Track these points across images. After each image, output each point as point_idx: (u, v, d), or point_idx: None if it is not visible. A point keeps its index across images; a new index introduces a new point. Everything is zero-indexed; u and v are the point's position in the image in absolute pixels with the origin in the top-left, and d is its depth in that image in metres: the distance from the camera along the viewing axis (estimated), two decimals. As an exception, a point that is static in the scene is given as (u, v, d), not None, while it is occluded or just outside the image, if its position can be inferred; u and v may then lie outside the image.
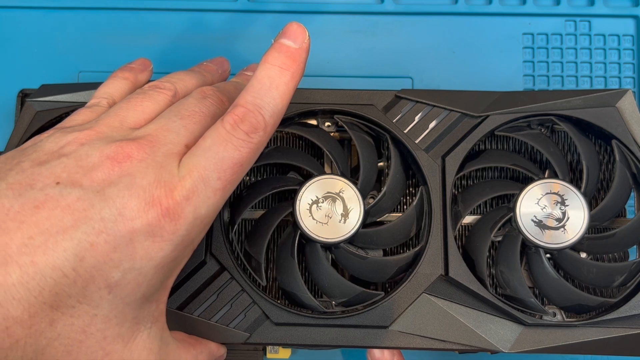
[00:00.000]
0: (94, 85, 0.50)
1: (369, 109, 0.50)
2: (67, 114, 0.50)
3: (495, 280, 0.47)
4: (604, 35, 0.63)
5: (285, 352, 0.53)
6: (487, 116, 0.50)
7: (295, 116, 0.50)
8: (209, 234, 0.46)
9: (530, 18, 0.62)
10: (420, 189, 0.48)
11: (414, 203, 0.48)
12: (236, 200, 0.49)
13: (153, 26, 0.62)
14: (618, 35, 0.63)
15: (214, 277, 0.45)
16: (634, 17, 0.63)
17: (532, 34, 0.63)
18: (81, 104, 0.49)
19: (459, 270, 0.45)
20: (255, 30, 0.62)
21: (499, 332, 0.44)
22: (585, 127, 0.50)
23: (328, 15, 0.63)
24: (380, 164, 0.51)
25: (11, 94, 0.59)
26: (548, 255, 0.47)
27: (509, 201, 0.50)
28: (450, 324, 0.44)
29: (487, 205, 0.51)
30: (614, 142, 0.49)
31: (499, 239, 0.48)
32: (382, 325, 0.44)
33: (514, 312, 0.44)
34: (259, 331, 0.44)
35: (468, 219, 0.50)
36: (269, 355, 0.53)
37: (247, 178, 0.52)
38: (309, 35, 0.37)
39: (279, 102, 0.36)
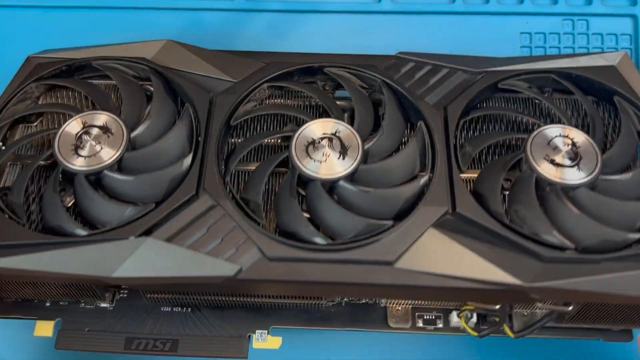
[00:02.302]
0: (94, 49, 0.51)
1: (370, 69, 0.50)
2: (67, 67, 0.49)
3: (509, 219, 0.44)
4: (601, 35, 0.64)
5: (275, 342, 0.48)
6: (487, 72, 0.49)
7: (295, 72, 0.50)
8: (201, 170, 0.44)
9: (527, 17, 0.63)
10: (419, 124, 0.46)
11: (415, 137, 0.46)
12: (231, 152, 0.47)
13: (151, 25, 0.62)
14: (616, 35, 0.64)
15: (205, 212, 0.42)
16: (632, 16, 0.64)
17: (530, 33, 0.64)
18: (81, 60, 0.49)
19: (468, 206, 0.42)
20: (253, 29, 0.63)
21: (517, 267, 0.40)
22: (585, 88, 0.49)
23: (325, 15, 0.63)
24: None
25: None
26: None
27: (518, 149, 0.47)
28: (462, 258, 0.40)
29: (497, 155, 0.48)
30: (616, 97, 0.48)
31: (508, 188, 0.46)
32: (387, 261, 0.40)
33: (532, 247, 0.40)
34: (252, 267, 0.40)
35: (474, 174, 0.47)
36: (255, 345, 0.47)
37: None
38: None
39: None
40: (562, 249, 0.41)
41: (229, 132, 0.48)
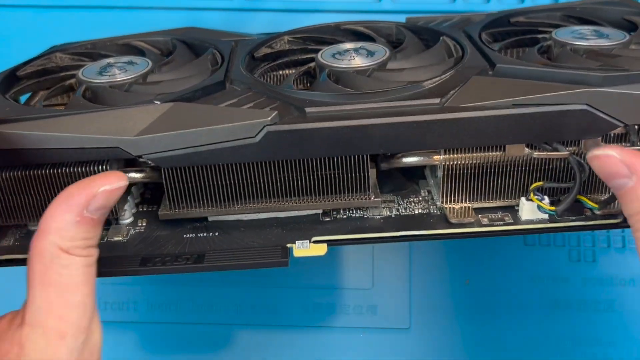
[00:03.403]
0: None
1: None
2: (92, 45, 0.51)
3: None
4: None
5: (320, 248, 0.40)
6: (497, 12, 0.52)
7: (313, 31, 0.52)
8: (228, 68, 0.43)
9: None
10: (441, 38, 0.46)
11: (440, 43, 0.45)
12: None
13: (150, 24, 0.60)
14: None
15: (234, 90, 0.40)
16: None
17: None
18: (106, 40, 0.52)
19: (507, 60, 0.41)
20: (253, 28, 0.62)
21: (576, 88, 0.37)
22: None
23: (325, 14, 0.64)
24: None
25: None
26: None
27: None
28: (517, 87, 0.37)
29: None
30: (626, 16, 0.50)
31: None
32: (433, 103, 0.37)
33: (586, 72, 0.37)
34: (290, 117, 0.37)
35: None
36: (296, 253, 0.39)
37: None
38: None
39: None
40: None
41: (252, 61, 0.47)
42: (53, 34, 0.52)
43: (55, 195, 0.33)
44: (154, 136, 0.36)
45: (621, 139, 0.38)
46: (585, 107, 0.36)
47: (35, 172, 0.37)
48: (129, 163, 0.39)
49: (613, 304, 0.59)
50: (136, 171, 0.39)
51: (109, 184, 0.33)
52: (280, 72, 0.48)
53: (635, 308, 0.59)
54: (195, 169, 0.38)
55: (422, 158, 0.39)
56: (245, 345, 0.55)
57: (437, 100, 0.37)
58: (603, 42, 0.42)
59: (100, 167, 0.37)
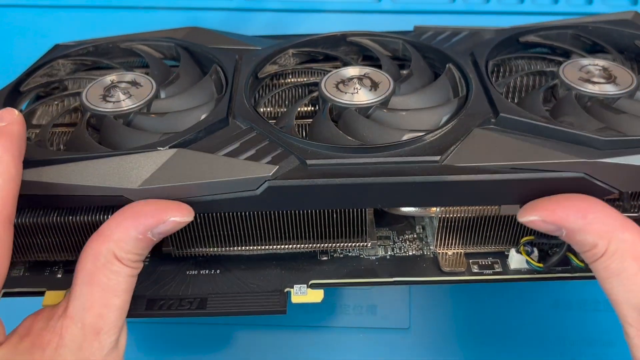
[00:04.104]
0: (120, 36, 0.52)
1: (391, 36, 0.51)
2: (94, 47, 0.50)
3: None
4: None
5: (316, 295, 0.42)
6: (507, 29, 0.50)
7: (319, 41, 0.51)
8: (231, 99, 0.42)
9: (528, 17, 0.64)
10: (447, 66, 0.46)
11: (446, 74, 0.45)
12: (259, 98, 0.47)
13: (150, 24, 0.60)
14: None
15: (236, 130, 0.40)
16: (633, 15, 0.66)
17: (531, 32, 0.65)
18: (108, 42, 0.51)
19: (511, 109, 0.40)
20: (253, 28, 0.62)
21: (575, 151, 0.37)
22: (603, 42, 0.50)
23: (325, 14, 0.64)
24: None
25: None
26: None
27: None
28: (517, 148, 0.38)
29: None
30: (637, 41, 0.49)
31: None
32: (432, 160, 0.38)
33: (586, 135, 0.37)
34: (291, 170, 0.37)
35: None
36: (294, 299, 0.42)
37: None
38: (18, 113, 0.36)
39: None
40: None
41: (256, 82, 0.47)
42: (53, 34, 0.51)
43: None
44: (157, 187, 0.37)
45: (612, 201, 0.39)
46: (583, 175, 0.36)
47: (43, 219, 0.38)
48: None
49: None
50: None
51: (180, 217, 0.35)
52: (285, 88, 0.47)
53: None
54: (198, 216, 0.39)
55: (419, 210, 0.40)
56: (245, 345, 0.57)
57: (437, 158, 0.37)
58: (609, 90, 0.42)
59: (105, 216, 0.38)
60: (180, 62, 0.49)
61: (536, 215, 0.35)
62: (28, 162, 0.37)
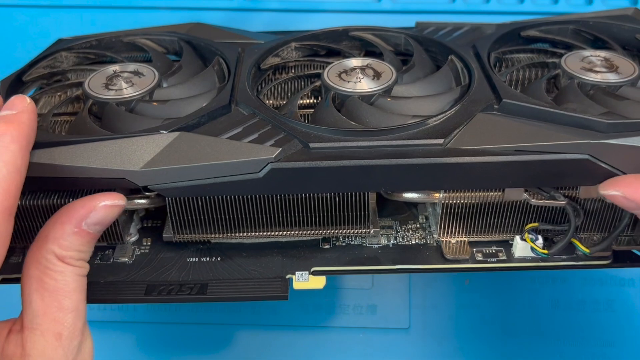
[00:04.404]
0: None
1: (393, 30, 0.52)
2: (97, 41, 0.51)
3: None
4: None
5: (318, 281, 0.42)
6: (508, 23, 0.51)
7: (321, 35, 0.51)
8: (234, 87, 0.42)
9: (528, 17, 0.63)
10: (450, 57, 0.46)
11: (448, 65, 0.45)
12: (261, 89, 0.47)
13: (150, 24, 0.59)
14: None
15: (239, 116, 0.40)
16: (632, 15, 0.66)
17: (531, 33, 0.65)
18: (112, 36, 0.51)
19: (514, 95, 0.40)
20: (252, 28, 0.61)
21: (579, 134, 0.37)
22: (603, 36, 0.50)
23: (325, 14, 0.64)
24: None
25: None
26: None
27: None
28: (520, 131, 0.37)
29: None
30: (638, 35, 0.49)
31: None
32: (436, 143, 0.37)
33: (590, 118, 0.37)
34: (294, 153, 0.37)
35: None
36: (296, 285, 0.41)
37: None
38: (30, 100, 0.35)
39: (2, 168, 0.31)
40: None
41: (258, 73, 0.47)
42: (54, 34, 0.51)
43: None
44: (159, 169, 0.36)
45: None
46: (587, 157, 0.36)
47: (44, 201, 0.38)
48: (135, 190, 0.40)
49: (613, 304, 0.60)
50: (141, 197, 0.39)
51: (109, 200, 0.35)
52: (287, 80, 0.47)
53: (634, 308, 0.60)
54: (199, 200, 0.39)
55: (422, 195, 0.40)
56: (245, 345, 0.56)
57: (440, 141, 0.37)
58: (611, 78, 0.42)
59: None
60: (182, 56, 0.49)
61: (619, 190, 0.36)
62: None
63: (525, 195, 0.39)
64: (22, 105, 0.34)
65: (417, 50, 0.48)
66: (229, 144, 0.37)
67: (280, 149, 0.37)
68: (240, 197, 0.39)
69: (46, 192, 0.38)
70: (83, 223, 0.34)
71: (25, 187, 0.36)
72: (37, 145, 0.37)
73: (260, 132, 0.39)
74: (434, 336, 0.57)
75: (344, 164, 0.36)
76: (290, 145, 0.37)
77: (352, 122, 0.40)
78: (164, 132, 0.38)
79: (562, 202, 0.38)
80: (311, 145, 0.37)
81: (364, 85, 0.43)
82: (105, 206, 0.34)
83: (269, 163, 0.36)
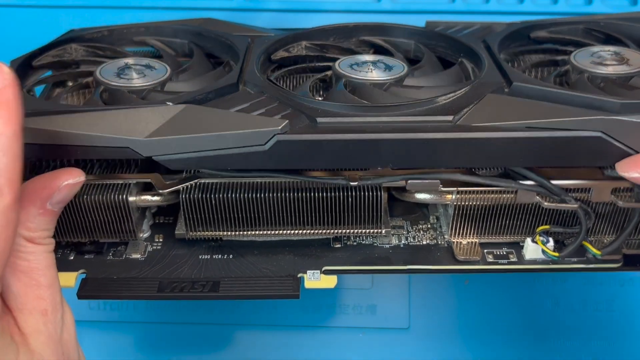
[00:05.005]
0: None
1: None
2: (108, 32, 0.51)
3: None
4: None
5: (330, 280, 0.41)
6: (518, 23, 0.51)
7: (331, 32, 0.51)
8: (242, 69, 0.42)
9: (528, 17, 0.62)
10: (459, 60, 0.46)
11: (458, 64, 0.45)
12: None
13: None
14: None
15: (246, 93, 0.40)
16: (633, 16, 0.65)
17: (531, 33, 0.64)
18: (122, 29, 0.51)
19: (525, 79, 0.40)
20: None
21: (591, 113, 0.36)
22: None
23: (325, 14, 0.63)
24: None
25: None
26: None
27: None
28: (531, 109, 0.37)
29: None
30: None
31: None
32: (446, 120, 0.37)
33: (602, 98, 0.37)
34: (301, 127, 0.37)
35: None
36: (307, 284, 0.41)
37: None
38: (9, 69, 0.28)
39: (1, 157, 0.28)
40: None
41: (267, 62, 0.47)
42: (56, 34, 0.51)
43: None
44: (164, 139, 0.36)
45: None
46: (600, 134, 0.35)
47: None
48: (143, 168, 0.40)
49: (613, 304, 0.60)
50: (153, 194, 0.40)
51: (72, 179, 0.35)
52: (296, 75, 0.47)
53: (634, 308, 0.60)
54: (212, 198, 0.39)
55: (434, 196, 0.40)
56: (245, 345, 0.56)
57: (449, 118, 0.37)
58: (622, 69, 0.42)
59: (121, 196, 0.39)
60: (193, 57, 0.49)
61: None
62: (34, 113, 0.36)
63: (538, 198, 0.39)
64: (3, 78, 0.28)
65: (428, 54, 0.48)
66: (235, 116, 0.37)
67: (287, 121, 0.36)
68: (253, 194, 0.39)
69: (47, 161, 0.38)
70: (47, 203, 0.34)
71: (26, 154, 0.36)
72: (42, 112, 0.37)
73: (268, 108, 0.38)
74: (433, 336, 0.57)
75: (351, 137, 0.36)
76: (297, 119, 0.37)
77: (363, 101, 0.39)
78: (170, 103, 0.37)
79: (574, 205, 0.38)
80: (318, 119, 0.37)
81: (375, 75, 0.43)
82: (67, 185, 0.35)
83: (275, 135, 0.36)
